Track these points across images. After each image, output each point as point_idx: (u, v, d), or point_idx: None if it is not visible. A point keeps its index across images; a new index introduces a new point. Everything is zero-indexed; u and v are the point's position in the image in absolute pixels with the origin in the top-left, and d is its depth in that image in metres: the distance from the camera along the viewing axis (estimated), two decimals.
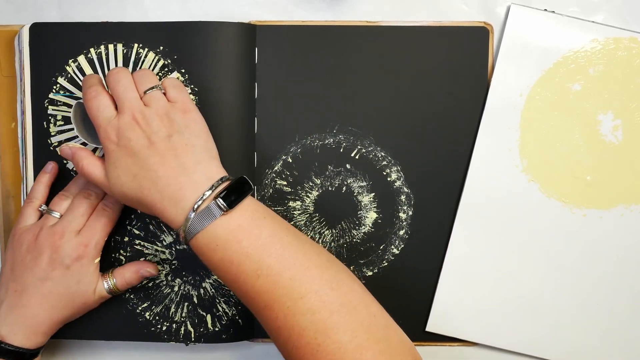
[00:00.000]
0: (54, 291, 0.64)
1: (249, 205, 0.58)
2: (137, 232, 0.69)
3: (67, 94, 0.68)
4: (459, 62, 0.69)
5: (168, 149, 0.58)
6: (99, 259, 0.66)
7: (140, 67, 0.68)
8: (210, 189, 0.57)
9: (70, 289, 0.64)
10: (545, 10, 0.68)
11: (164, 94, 0.61)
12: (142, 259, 0.69)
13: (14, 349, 0.63)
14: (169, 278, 0.69)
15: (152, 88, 0.61)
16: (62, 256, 0.63)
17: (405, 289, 0.70)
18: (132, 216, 0.69)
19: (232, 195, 0.57)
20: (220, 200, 0.56)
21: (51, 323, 0.65)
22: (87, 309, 0.66)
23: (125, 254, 0.69)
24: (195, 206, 0.56)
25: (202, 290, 0.69)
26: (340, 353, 0.52)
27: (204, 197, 0.56)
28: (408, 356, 0.54)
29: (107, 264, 0.70)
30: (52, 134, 0.69)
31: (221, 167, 0.60)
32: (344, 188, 0.70)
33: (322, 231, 0.70)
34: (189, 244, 0.58)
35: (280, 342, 0.55)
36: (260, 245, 0.56)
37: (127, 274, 0.67)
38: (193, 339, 0.69)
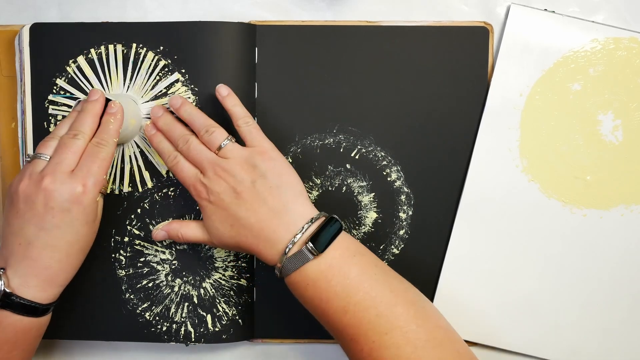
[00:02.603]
0: (63, 239, 0.60)
1: (340, 244, 0.60)
2: (137, 232, 0.69)
3: (67, 95, 0.68)
4: (459, 62, 0.69)
5: (255, 197, 0.60)
6: (100, 197, 0.62)
7: (140, 67, 0.68)
8: (300, 231, 0.59)
9: (79, 232, 0.61)
10: (545, 10, 0.68)
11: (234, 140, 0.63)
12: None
13: (27, 303, 0.59)
14: (169, 278, 0.69)
15: (224, 141, 0.63)
16: (59, 201, 0.59)
17: None
18: (132, 216, 0.69)
19: (323, 237, 0.59)
20: (310, 245, 0.58)
21: (67, 271, 0.62)
22: (97, 229, 0.64)
23: (125, 254, 0.69)
24: (287, 250, 0.58)
25: (202, 291, 0.69)
26: None
27: (295, 241, 0.58)
28: None
29: (107, 264, 0.70)
30: None
31: (310, 203, 0.62)
32: (344, 188, 0.70)
33: None
34: (284, 280, 0.61)
35: None
36: (349, 284, 0.58)
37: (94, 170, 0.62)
38: (193, 339, 0.69)
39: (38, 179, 0.60)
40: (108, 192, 0.69)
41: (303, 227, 0.59)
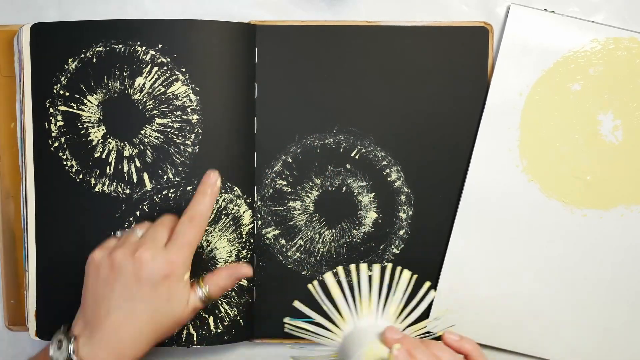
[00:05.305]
0: (142, 313, 0.59)
1: None
2: None
3: (307, 319, 0.62)
4: (459, 62, 0.69)
5: None
6: (188, 274, 0.62)
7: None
8: None
9: (159, 310, 0.60)
10: (545, 10, 0.68)
11: None
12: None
13: None
14: None
15: None
16: (150, 273, 0.59)
17: None
18: (131, 219, 0.69)
19: None
20: None
21: (138, 348, 0.60)
22: (180, 325, 0.62)
23: None
24: None
25: None
26: None
27: None
28: None
29: None
30: (53, 133, 0.69)
31: None
32: (344, 188, 0.70)
33: (322, 231, 0.70)
34: None
35: None
36: None
37: (220, 281, 0.64)
38: (195, 342, 0.69)
39: (131, 249, 0.60)
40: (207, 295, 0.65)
41: None
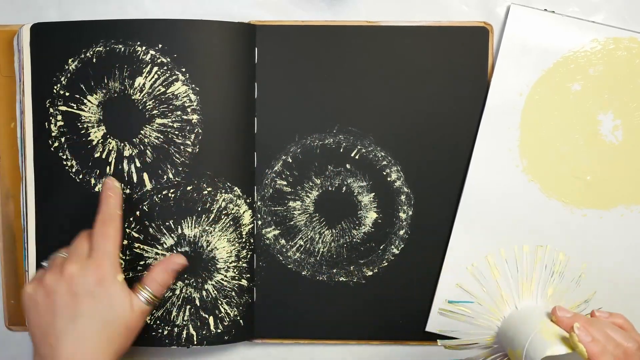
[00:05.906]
0: (90, 327, 0.59)
1: None
2: (136, 235, 0.69)
3: (463, 301, 0.62)
4: (459, 62, 0.69)
5: None
6: (121, 275, 0.62)
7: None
8: None
9: (105, 318, 0.59)
10: (545, 10, 0.68)
11: None
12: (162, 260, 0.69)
13: None
14: None
15: None
16: (83, 284, 0.59)
17: (405, 289, 0.71)
18: (131, 219, 0.69)
19: None
20: None
21: None
22: (133, 331, 0.62)
23: (124, 257, 0.69)
24: None
25: (204, 293, 0.69)
26: None
27: None
28: None
29: None
30: (53, 133, 0.69)
31: None
32: (344, 188, 0.70)
33: (322, 231, 0.70)
34: None
35: None
36: None
37: (157, 277, 0.64)
38: (196, 342, 0.69)
39: (57, 270, 0.61)
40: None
41: None
